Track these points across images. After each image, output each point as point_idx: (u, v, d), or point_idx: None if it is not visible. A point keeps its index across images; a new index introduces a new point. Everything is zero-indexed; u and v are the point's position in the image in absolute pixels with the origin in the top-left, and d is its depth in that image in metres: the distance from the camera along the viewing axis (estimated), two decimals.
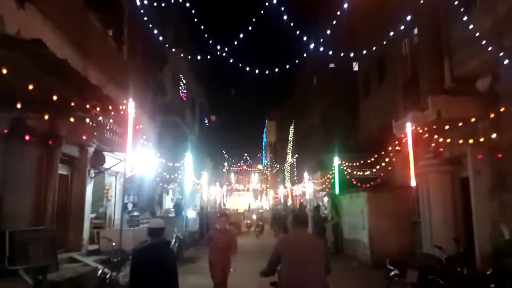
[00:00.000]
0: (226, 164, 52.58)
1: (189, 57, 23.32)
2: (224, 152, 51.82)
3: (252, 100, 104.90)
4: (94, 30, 9.75)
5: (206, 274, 11.46)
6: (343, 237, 16.93)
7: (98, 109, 7.07)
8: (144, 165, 14.20)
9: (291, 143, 37.83)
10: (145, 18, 12.55)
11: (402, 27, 11.22)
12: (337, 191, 16.40)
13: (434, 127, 9.72)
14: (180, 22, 21.40)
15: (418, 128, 10.08)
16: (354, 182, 15.41)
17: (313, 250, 4.53)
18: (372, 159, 14.42)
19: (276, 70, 12.91)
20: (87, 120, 8.36)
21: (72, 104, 6.13)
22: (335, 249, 16.95)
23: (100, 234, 12.15)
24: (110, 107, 7.28)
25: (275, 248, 4.69)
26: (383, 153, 12.76)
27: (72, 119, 7.03)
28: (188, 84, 24.59)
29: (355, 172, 16.40)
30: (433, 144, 10.24)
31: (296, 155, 34.49)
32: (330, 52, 13.25)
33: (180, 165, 15.33)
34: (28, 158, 8.79)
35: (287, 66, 13.14)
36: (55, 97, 5.47)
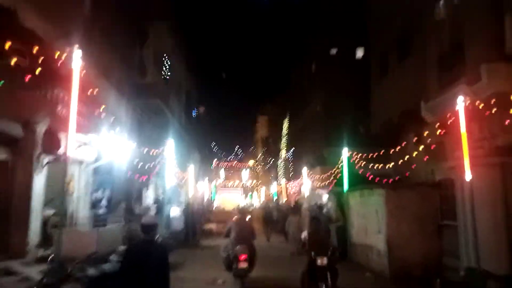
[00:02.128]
0: (215, 159, 50.01)
1: (175, 34, 20.83)
2: (214, 145, 49.26)
3: (243, 94, 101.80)
4: None
5: (193, 286, 9.91)
6: (351, 241, 14.54)
7: (8, 45, 4.48)
8: (116, 152, 11.68)
9: (286, 137, 35.40)
10: None
11: None
12: (345, 188, 13.95)
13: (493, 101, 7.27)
14: None
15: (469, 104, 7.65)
16: (371, 178, 12.94)
17: (246, 226, 9.92)
18: (392, 150, 11.97)
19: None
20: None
21: None
22: (340, 255, 14.55)
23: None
24: (36, 49, 4.69)
25: (228, 225, 10.03)
26: (417, 139, 10.28)
27: None
28: (173, 66, 21.96)
29: (367, 166, 13.95)
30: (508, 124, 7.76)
31: (293, 149, 32.04)
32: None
33: (160, 153, 12.72)
34: None
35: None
36: None
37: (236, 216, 10.34)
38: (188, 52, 27.10)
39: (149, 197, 19.45)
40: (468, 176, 7.62)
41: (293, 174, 30.67)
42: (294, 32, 47.61)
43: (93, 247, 9.12)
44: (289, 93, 35.80)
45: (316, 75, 25.18)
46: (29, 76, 5.70)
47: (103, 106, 9.22)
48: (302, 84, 29.42)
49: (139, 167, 13.86)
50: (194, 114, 33.81)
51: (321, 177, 20.77)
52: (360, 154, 13.49)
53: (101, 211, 11.06)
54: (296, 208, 20.02)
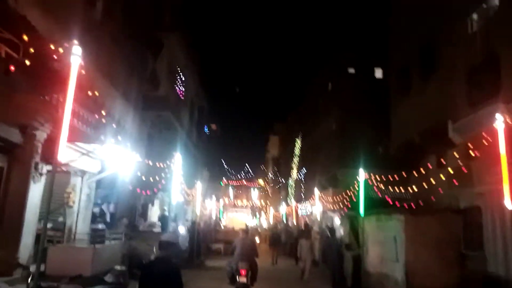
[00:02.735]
0: (224, 178, 49.30)
1: (189, 49, 20.53)
2: (224, 163, 48.60)
3: (255, 113, 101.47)
4: None
5: None
6: (364, 269, 13.61)
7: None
8: (121, 164, 11.06)
9: (297, 157, 34.63)
10: None
11: None
12: (361, 212, 13.12)
13: None
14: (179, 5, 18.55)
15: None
16: (390, 202, 12.15)
17: (249, 244, 10.70)
18: (414, 173, 11.21)
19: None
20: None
21: None
22: (352, 285, 13.60)
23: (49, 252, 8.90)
24: (26, 38, 4.16)
25: (234, 243, 10.92)
26: (440, 162, 9.53)
27: None
28: (186, 81, 21.58)
29: (383, 190, 13.16)
30: None
31: (304, 170, 31.20)
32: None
33: (166, 167, 12.10)
34: None
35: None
36: None
37: (240, 235, 11.34)
38: (201, 69, 26.83)
39: (154, 213, 18.80)
40: (508, 204, 6.80)
41: (304, 195, 29.81)
42: (310, 50, 47.30)
43: (88, 266, 8.48)
44: (302, 113, 35.23)
45: (331, 93, 24.58)
46: (16, 67, 5.15)
47: (108, 114, 8.63)
48: (316, 103, 28.84)
49: (145, 181, 13.27)
50: (205, 131, 33.33)
51: (333, 199, 19.95)
52: (376, 176, 12.70)
53: (100, 226, 10.38)
54: (307, 230, 19.10)
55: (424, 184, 11.58)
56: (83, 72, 4.99)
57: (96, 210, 15.03)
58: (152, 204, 18.30)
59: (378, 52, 19.93)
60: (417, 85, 12.58)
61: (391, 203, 12.29)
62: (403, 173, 11.55)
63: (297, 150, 34.95)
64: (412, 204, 12.74)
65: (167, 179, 13.00)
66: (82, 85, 6.18)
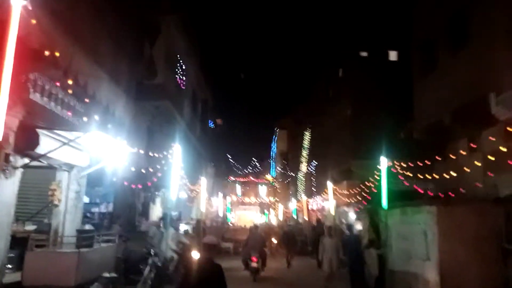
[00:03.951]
0: (231, 173, 48.05)
1: (189, 35, 19.24)
2: (230, 159, 47.34)
3: (261, 107, 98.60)
4: None
5: None
6: (389, 268, 12.25)
7: None
8: (115, 158, 9.78)
9: (306, 150, 33.24)
10: None
11: None
12: (384, 205, 11.75)
13: None
14: None
15: None
16: (421, 191, 10.78)
17: (258, 238, 14.59)
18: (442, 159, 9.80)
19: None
20: None
21: None
22: (375, 285, 12.24)
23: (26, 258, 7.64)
24: None
25: (246, 238, 14.98)
26: (474, 145, 8.16)
27: None
28: (187, 71, 20.28)
29: (410, 179, 11.78)
30: None
31: (315, 163, 29.76)
32: None
33: (163, 158, 10.79)
34: None
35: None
36: None
37: (251, 231, 15.07)
38: (204, 58, 25.49)
39: (157, 212, 17.57)
40: None
41: (315, 190, 28.44)
42: (318, 34, 45.72)
43: (71, 274, 7.21)
44: (310, 104, 33.75)
45: (343, 80, 23.09)
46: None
47: (92, 97, 7.34)
48: (326, 92, 27.38)
49: (142, 176, 12.00)
50: (210, 125, 32.06)
51: (348, 192, 18.64)
52: (401, 163, 11.32)
53: (87, 226, 9.10)
54: (328, 227, 17.53)
55: (454, 171, 10.20)
56: (34, 21, 3.66)
57: (96, 210, 13.88)
58: (154, 203, 17.05)
59: (391, 33, 18.56)
60: (445, 60, 11.18)
61: (419, 193, 10.88)
62: (434, 158, 10.09)
63: (306, 143, 33.59)
64: (440, 194, 11.34)
65: (166, 173, 11.71)
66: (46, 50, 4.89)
